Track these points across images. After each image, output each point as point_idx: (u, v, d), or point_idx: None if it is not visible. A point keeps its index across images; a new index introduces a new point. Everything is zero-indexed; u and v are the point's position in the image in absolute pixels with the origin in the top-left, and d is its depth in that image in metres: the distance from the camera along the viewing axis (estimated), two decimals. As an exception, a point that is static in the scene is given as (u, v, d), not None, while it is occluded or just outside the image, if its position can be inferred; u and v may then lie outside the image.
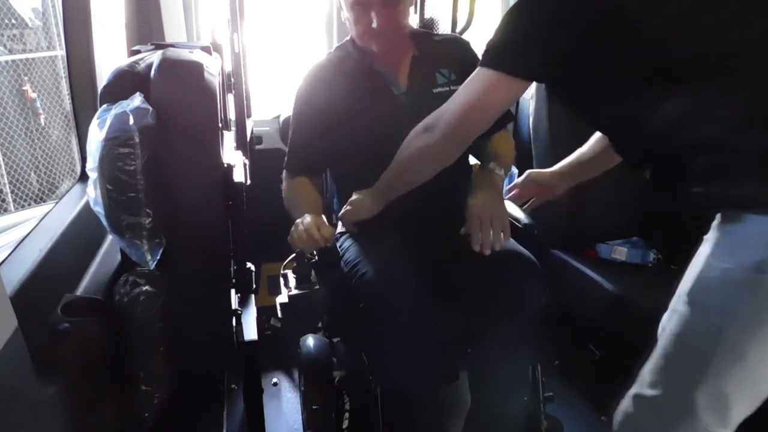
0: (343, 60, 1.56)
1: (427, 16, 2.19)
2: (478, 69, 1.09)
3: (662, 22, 0.95)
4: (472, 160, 1.77)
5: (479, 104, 1.11)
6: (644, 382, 1.03)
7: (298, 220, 1.38)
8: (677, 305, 0.99)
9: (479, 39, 1.72)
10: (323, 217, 1.43)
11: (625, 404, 1.07)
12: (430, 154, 1.24)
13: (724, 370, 0.91)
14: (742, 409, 0.94)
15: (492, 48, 1.07)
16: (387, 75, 1.53)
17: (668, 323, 1.00)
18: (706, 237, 0.97)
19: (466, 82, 1.13)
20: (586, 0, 0.99)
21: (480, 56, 1.09)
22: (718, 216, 0.95)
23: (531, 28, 1.03)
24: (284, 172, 1.60)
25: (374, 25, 1.41)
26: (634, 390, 1.05)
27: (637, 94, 1.00)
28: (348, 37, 1.58)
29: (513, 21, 1.05)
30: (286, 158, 1.61)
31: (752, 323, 0.89)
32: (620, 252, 1.95)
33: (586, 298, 1.89)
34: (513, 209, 1.62)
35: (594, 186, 1.75)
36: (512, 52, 1.05)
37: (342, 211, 1.49)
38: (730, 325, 0.90)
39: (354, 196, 1.47)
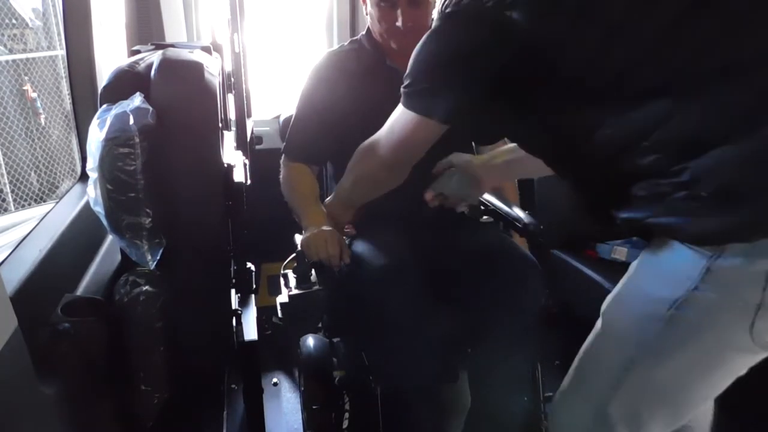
0: (356, 53, 1.57)
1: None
2: (399, 106, 1.08)
3: (585, 49, 0.86)
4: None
5: (404, 142, 1.12)
6: (564, 387, 1.07)
7: (317, 231, 1.37)
8: (598, 322, 0.99)
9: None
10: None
11: (552, 405, 1.11)
12: (371, 178, 1.28)
13: (635, 395, 0.93)
14: (659, 427, 0.95)
15: (406, 86, 1.04)
16: (401, 71, 1.53)
17: (588, 337, 1.02)
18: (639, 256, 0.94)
19: (394, 114, 1.12)
20: (493, 35, 0.90)
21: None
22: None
23: (439, 69, 0.99)
24: (283, 156, 1.60)
25: (398, 23, 1.41)
26: (558, 393, 1.09)
27: (563, 121, 0.92)
28: (363, 32, 1.58)
29: (423, 59, 1.01)
30: (285, 143, 1.61)
31: (664, 356, 0.89)
32: (620, 252, 1.95)
33: (586, 298, 1.89)
34: (514, 209, 1.62)
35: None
36: (422, 92, 1.02)
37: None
38: (643, 357, 0.90)
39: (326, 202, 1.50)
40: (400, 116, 1.09)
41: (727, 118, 0.80)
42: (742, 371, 0.89)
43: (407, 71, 1.04)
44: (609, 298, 0.98)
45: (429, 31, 1.01)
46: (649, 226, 0.86)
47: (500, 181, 1.49)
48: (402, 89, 1.06)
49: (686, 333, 0.86)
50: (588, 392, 1.00)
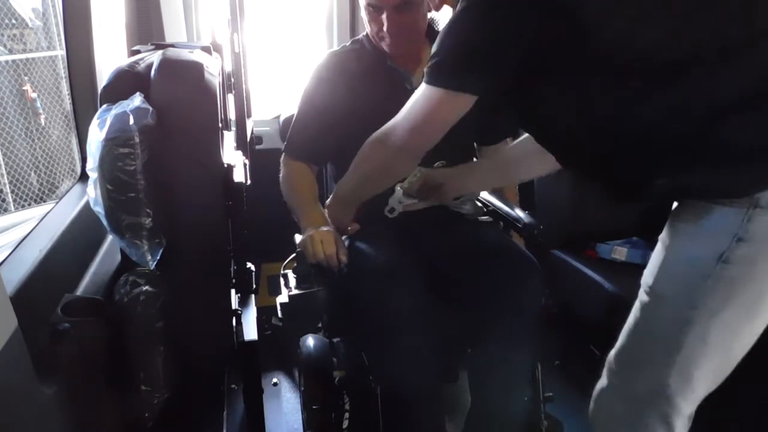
0: (358, 54, 1.57)
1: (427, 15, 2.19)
2: (423, 85, 1.06)
3: (623, 18, 0.90)
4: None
5: (427, 121, 1.09)
6: (613, 370, 1.07)
7: (314, 232, 1.37)
8: (641, 296, 1.02)
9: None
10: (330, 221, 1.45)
11: (597, 391, 1.10)
12: (385, 168, 1.25)
13: (692, 356, 0.96)
14: (707, 387, 1.00)
15: (434, 64, 1.03)
16: (401, 71, 1.53)
17: (632, 313, 1.04)
18: (667, 226, 0.99)
19: (413, 96, 1.10)
20: (527, 5, 0.93)
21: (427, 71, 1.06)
22: (674, 207, 0.99)
23: (471, 40, 0.99)
24: (283, 155, 1.60)
25: (385, 28, 1.42)
26: (604, 377, 1.09)
27: (597, 95, 0.95)
28: (364, 33, 1.58)
29: (453, 34, 1.01)
30: (286, 141, 1.61)
31: (717, 312, 0.93)
32: (620, 252, 1.95)
33: (586, 298, 1.89)
34: (514, 209, 1.62)
35: (594, 186, 1.75)
36: (454, 67, 1.01)
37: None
38: (698, 316, 0.93)
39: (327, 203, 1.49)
40: (422, 95, 1.07)
41: (753, 83, 0.86)
42: None
43: (434, 48, 1.02)
44: (649, 271, 1.01)
45: (460, 5, 0.99)
46: (686, 187, 0.93)
47: (462, 187, 1.49)
48: (428, 68, 1.04)
49: (735, 284, 0.91)
50: (646, 367, 1.01)
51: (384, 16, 1.41)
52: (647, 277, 1.01)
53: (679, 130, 0.90)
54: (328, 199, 1.50)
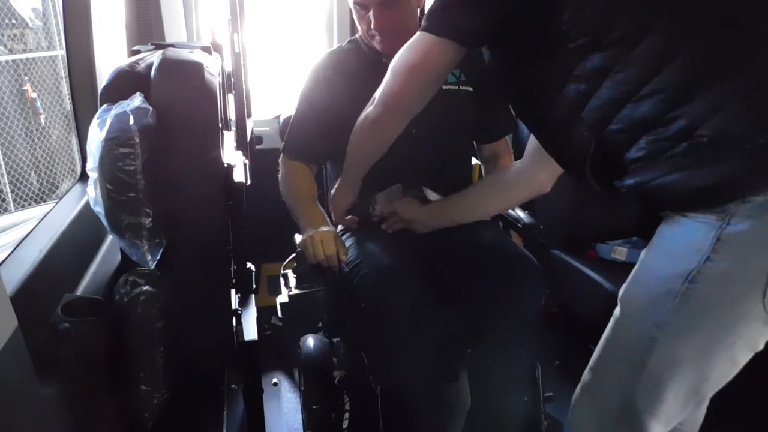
0: (354, 53, 1.58)
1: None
2: (417, 34, 1.07)
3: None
4: (474, 161, 1.77)
5: (417, 69, 1.08)
6: (586, 381, 1.06)
7: (315, 233, 1.37)
8: (616, 308, 0.99)
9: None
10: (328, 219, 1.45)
11: (573, 402, 1.09)
12: (375, 128, 1.23)
13: (659, 376, 0.92)
14: (681, 409, 0.95)
15: (430, 12, 1.04)
16: None
17: (608, 325, 1.01)
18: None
19: (403, 47, 1.10)
20: None
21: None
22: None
23: None
24: (282, 155, 1.60)
25: (372, 25, 1.42)
26: (578, 389, 1.08)
27: (574, 72, 0.91)
28: (359, 33, 1.59)
29: None
30: (284, 141, 1.61)
31: (685, 332, 0.89)
32: (620, 252, 1.95)
33: (586, 298, 1.89)
34: (514, 209, 1.62)
35: (594, 186, 1.74)
36: (446, 15, 1.03)
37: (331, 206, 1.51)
38: (663, 336, 0.90)
39: (332, 192, 1.49)
40: (414, 43, 1.07)
41: (717, 58, 0.81)
42: (760, 345, 0.88)
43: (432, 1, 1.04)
44: (624, 285, 0.98)
45: None
46: (654, 189, 0.86)
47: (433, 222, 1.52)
48: (424, 17, 1.06)
49: (701, 306, 0.86)
50: (612, 382, 0.99)
51: (371, 14, 1.41)
52: (621, 290, 0.99)
53: (640, 113, 0.85)
54: (334, 188, 1.49)
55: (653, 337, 0.90)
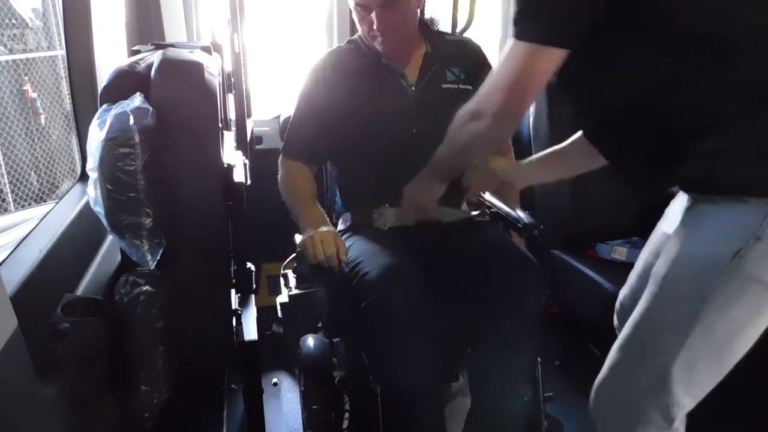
0: (353, 53, 1.58)
1: (427, 15, 2.19)
2: (512, 43, 1.03)
3: None
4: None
5: (522, 81, 1.04)
6: (616, 361, 1.09)
7: (315, 233, 1.37)
8: (651, 287, 1.04)
9: (479, 39, 1.73)
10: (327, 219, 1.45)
11: (598, 384, 1.12)
12: (485, 141, 1.19)
13: (697, 349, 0.98)
14: (708, 382, 1.01)
15: (521, 18, 1.01)
16: (396, 68, 1.54)
17: (640, 304, 1.05)
18: (682, 220, 1.03)
19: (502, 59, 1.07)
20: None
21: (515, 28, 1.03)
22: (684, 199, 1.04)
23: None
24: (281, 155, 1.60)
25: (375, 26, 1.42)
26: (605, 370, 1.11)
27: (651, 67, 0.97)
28: (358, 33, 1.59)
29: None
30: (284, 142, 1.61)
31: (726, 306, 0.95)
32: (620, 252, 1.95)
33: (586, 298, 1.89)
34: (514, 209, 1.62)
35: (594, 186, 1.74)
36: (542, 19, 1.00)
37: (406, 197, 1.45)
38: (707, 310, 0.95)
39: (412, 183, 1.43)
40: (512, 53, 1.04)
41: None
42: None
43: (518, 3, 1.01)
44: (662, 263, 1.03)
45: None
46: (712, 178, 0.95)
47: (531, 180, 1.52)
48: (514, 22, 1.02)
49: (748, 281, 0.93)
50: (649, 358, 1.03)
51: (373, 15, 1.42)
52: (660, 268, 1.02)
53: (717, 113, 0.92)
54: (413, 184, 1.43)
55: (698, 312, 0.95)
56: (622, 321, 1.28)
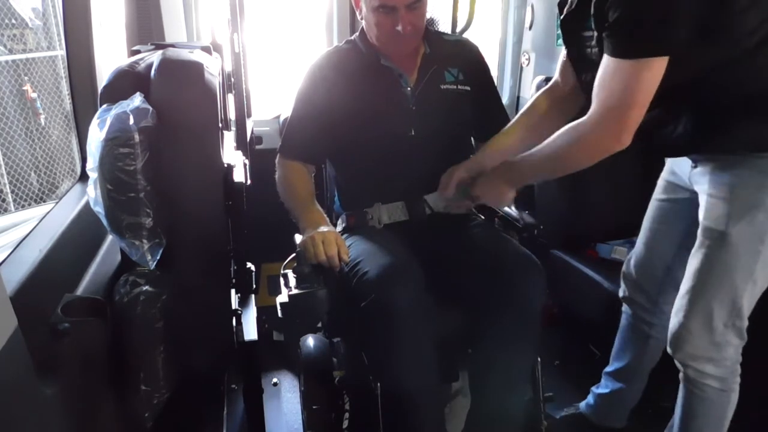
0: (352, 53, 1.57)
1: (427, 16, 2.19)
2: (616, 62, 1.10)
3: None
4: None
5: (638, 98, 1.12)
6: (687, 307, 1.28)
7: (315, 233, 1.37)
8: (708, 243, 1.24)
9: (478, 39, 1.74)
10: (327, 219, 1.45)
11: (674, 331, 1.31)
12: (604, 152, 1.21)
13: (757, 278, 1.24)
14: (758, 294, 1.27)
15: (620, 36, 1.09)
16: (396, 70, 1.54)
17: (699, 258, 1.25)
18: (727, 180, 1.20)
19: (608, 79, 1.12)
20: None
21: (613, 46, 1.10)
22: (703, 166, 1.24)
23: (660, 4, 1.05)
24: (278, 156, 1.59)
25: (399, 28, 1.41)
26: (675, 318, 1.31)
27: (717, 57, 1.11)
28: (357, 33, 1.58)
29: (634, 4, 1.07)
30: (282, 141, 1.60)
31: None
32: (620, 252, 1.95)
33: (586, 298, 1.89)
34: (514, 209, 1.62)
35: (594, 186, 1.75)
36: (646, 33, 1.07)
37: (479, 190, 1.45)
38: (765, 248, 1.20)
39: (483, 179, 1.44)
40: (622, 72, 1.11)
41: None
42: None
43: (615, 21, 1.07)
44: (714, 221, 1.22)
45: None
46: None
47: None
48: (614, 41, 1.10)
49: None
50: (725, 294, 1.25)
51: (399, 16, 1.41)
52: (718, 224, 1.22)
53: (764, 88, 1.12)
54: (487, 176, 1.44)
55: (759, 251, 1.21)
56: (629, 286, 1.57)
